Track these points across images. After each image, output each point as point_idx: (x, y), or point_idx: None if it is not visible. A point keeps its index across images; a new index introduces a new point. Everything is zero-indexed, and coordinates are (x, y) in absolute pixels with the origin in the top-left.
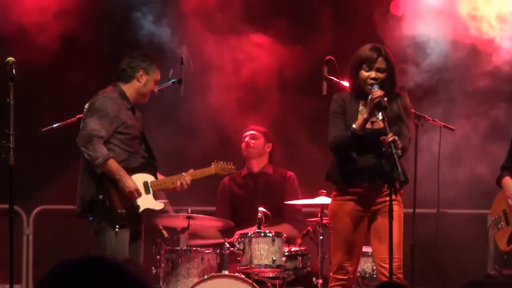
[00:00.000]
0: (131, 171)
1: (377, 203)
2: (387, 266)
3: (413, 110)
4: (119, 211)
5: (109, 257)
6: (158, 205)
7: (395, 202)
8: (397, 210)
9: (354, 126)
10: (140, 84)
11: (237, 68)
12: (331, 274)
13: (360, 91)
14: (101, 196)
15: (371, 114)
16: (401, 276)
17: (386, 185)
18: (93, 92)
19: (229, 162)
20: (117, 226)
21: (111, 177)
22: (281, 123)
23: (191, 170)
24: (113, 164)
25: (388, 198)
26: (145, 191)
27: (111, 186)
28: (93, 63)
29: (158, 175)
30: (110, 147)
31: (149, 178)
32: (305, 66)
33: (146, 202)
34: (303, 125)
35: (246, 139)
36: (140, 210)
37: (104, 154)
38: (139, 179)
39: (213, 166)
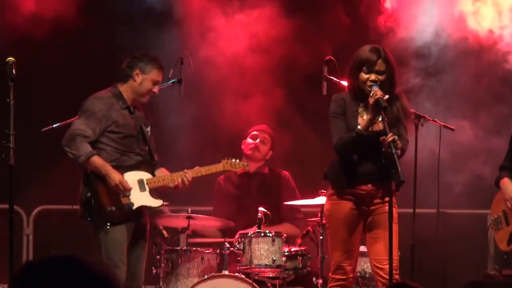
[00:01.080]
0: (125, 169)
1: (372, 203)
2: (383, 267)
3: (413, 110)
4: (108, 208)
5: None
6: (155, 202)
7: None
8: (394, 212)
9: (359, 127)
10: (135, 83)
11: (240, 57)
12: (330, 274)
13: (359, 93)
14: (89, 194)
15: (375, 114)
16: (397, 277)
17: (382, 187)
18: (94, 92)
19: (241, 160)
20: (108, 224)
21: (99, 175)
22: (282, 122)
23: (196, 167)
24: (97, 160)
25: (383, 200)
26: (140, 188)
27: (99, 183)
28: (93, 63)
29: (165, 172)
30: (101, 147)
31: (145, 175)
32: (309, 64)
33: (141, 199)
34: (304, 124)
35: (257, 140)
36: (134, 207)
37: (86, 151)
38: (134, 177)
39: (221, 163)
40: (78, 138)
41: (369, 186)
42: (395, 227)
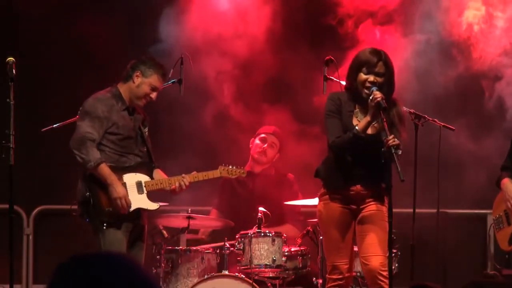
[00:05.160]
0: (124, 170)
1: (362, 202)
2: (370, 263)
3: (412, 110)
4: (106, 209)
5: (122, 255)
6: (152, 205)
7: (379, 201)
8: (383, 210)
9: (357, 128)
10: (134, 84)
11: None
12: (326, 275)
13: (356, 93)
14: (87, 194)
15: (374, 117)
16: (385, 273)
17: (371, 188)
18: (94, 92)
19: (238, 166)
20: (104, 225)
21: (101, 180)
22: (282, 122)
23: (194, 172)
24: (104, 168)
25: (373, 199)
26: (138, 190)
27: (98, 184)
28: (93, 63)
29: (161, 174)
30: (101, 148)
31: (143, 178)
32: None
33: (138, 201)
34: (304, 124)
35: (265, 144)
36: (131, 209)
37: (96, 158)
38: (132, 179)
39: (218, 169)
40: (88, 143)
41: (358, 187)
42: (384, 224)
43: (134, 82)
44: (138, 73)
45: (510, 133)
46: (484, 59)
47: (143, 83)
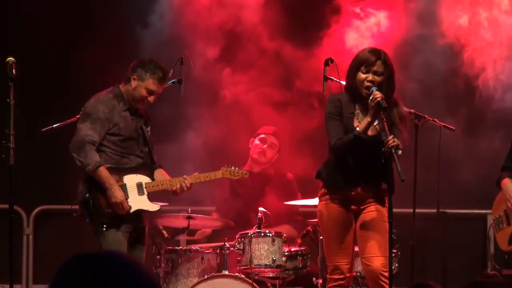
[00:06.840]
0: (125, 171)
1: (362, 203)
2: (372, 264)
3: (412, 110)
4: (106, 211)
5: (124, 254)
6: (152, 206)
7: (379, 203)
8: (383, 211)
9: (358, 129)
10: (130, 87)
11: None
12: (327, 275)
13: (355, 93)
14: (87, 195)
15: (375, 117)
16: (386, 274)
17: (371, 189)
18: (94, 92)
19: (241, 167)
20: (104, 226)
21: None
22: (283, 122)
23: (195, 174)
24: (103, 171)
25: (373, 200)
26: (138, 192)
27: (98, 186)
28: (94, 63)
29: (163, 174)
30: (102, 149)
31: (143, 179)
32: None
33: (138, 203)
34: (305, 124)
35: (265, 145)
36: (132, 210)
37: (95, 161)
38: (133, 180)
39: (221, 170)
40: (88, 146)
41: (359, 189)
42: (384, 226)
43: (131, 85)
44: (135, 76)
45: (510, 133)
46: (474, 58)
47: (139, 86)
